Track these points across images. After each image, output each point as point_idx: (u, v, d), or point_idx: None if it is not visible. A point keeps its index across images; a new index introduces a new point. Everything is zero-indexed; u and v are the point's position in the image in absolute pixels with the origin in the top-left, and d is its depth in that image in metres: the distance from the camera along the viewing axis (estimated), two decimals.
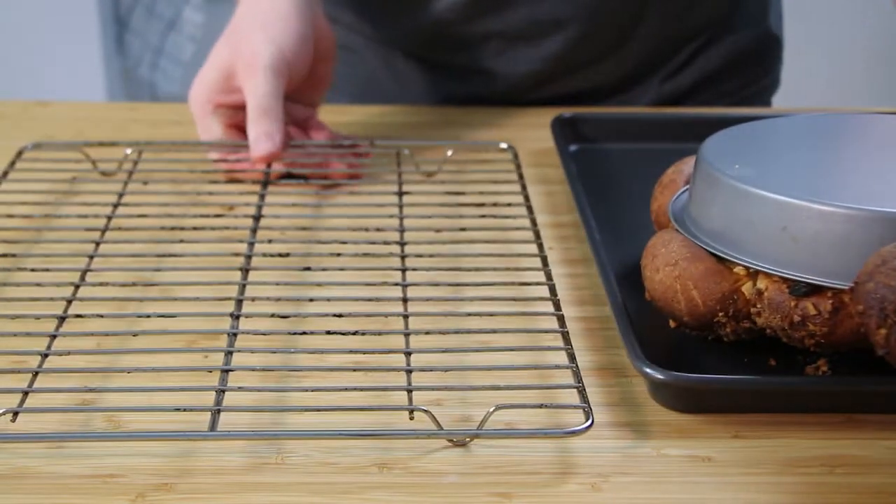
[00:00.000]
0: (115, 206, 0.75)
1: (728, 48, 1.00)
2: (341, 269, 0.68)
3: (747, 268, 0.60)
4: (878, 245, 0.55)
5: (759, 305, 0.59)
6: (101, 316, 0.64)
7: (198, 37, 2.30)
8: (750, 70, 1.02)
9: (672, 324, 0.63)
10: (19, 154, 0.80)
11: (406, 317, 0.63)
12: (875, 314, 0.52)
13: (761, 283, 0.59)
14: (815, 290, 0.57)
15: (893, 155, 0.65)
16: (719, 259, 0.61)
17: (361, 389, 0.58)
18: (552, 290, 0.65)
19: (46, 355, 0.59)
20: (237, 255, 0.69)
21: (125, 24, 2.28)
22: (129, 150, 0.81)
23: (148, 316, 0.64)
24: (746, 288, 0.59)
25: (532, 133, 0.91)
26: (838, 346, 0.58)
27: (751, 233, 0.59)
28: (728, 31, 0.99)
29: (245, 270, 0.67)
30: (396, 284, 0.66)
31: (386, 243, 0.71)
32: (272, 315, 0.64)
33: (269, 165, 0.78)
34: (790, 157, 0.65)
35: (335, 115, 0.96)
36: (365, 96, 1.02)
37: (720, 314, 0.60)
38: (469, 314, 0.64)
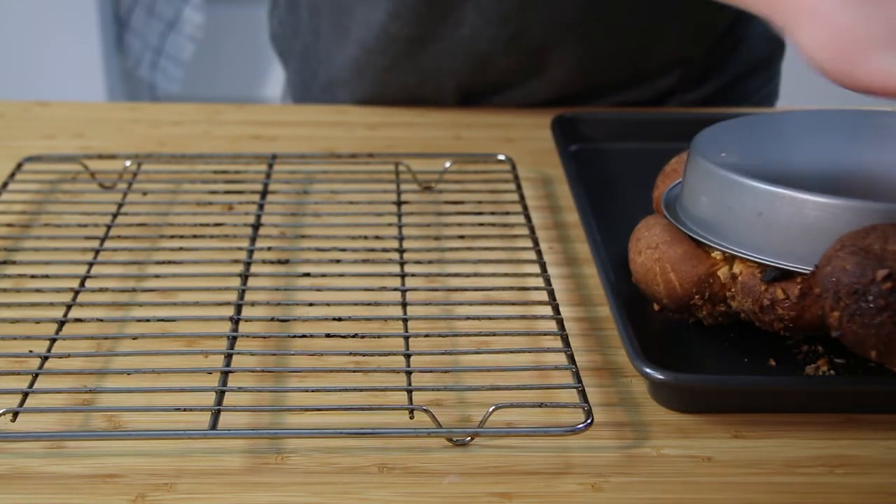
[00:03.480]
0: (115, 215, 0.75)
1: (743, 56, 1.00)
2: (340, 276, 0.68)
3: (724, 252, 0.60)
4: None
5: (732, 289, 0.60)
6: (101, 320, 0.64)
7: (198, 37, 2.30)
8: (761, 75, 1.03)
9: (656, 307, 0.64)
10: (19, 166, 0.80)
11: (405, 320, 0.63)
12: (830, 297, 0.53)
13: (736, 268, 0.60)
14: (785, 276, 0.58)
15: (878, 149, 0.66)
16: (699, 244, 0.61)
17: (361, 390, 0.58)
18: (551, 294, 0.65)
19: (46, 357, 0.59)
20: (237, 261, 0.69)
21: (125, 24, 2.28)
22: (128, 163, 0.81)
23: (147, 320, 0.64)
24: (722, 272, 0.60)
25: (532, 133, 0.91)
26: (806, 331, 0.58)
27: (730, 218, 0.60)
28: (742, 39, 1.00)
29: (244, 276, 0.67)
30: (396, 289, 0.66)
31: (385, 250, 0.71)
32: (272, 319, 0.64)
33: None
34: (775, 148, 0.66)
35: (335, 115, 0.96)
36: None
37: (696, 297, 0.60)
38: (468, 317, 0.64)
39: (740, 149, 0.64)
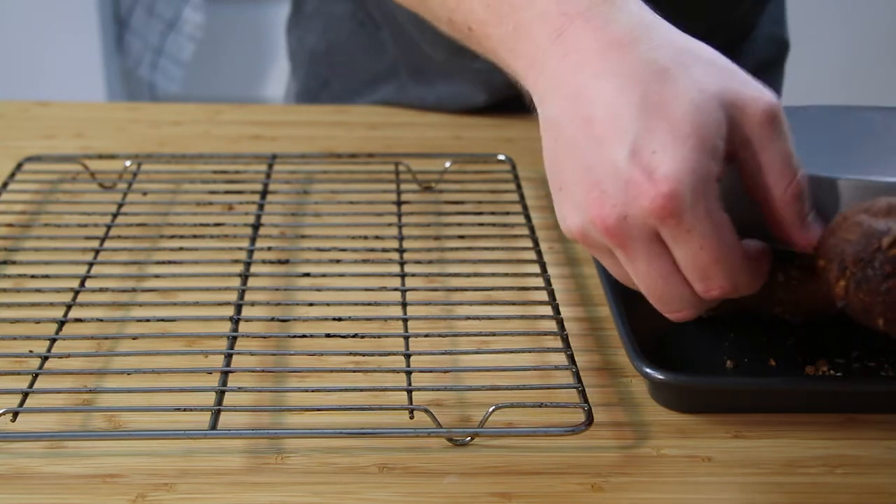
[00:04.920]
0: (115, 214, 0.75)
1: (750, 57, 1.00)
2: (341, 276, 0.68)
3: None
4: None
5: None
6: (101, 320, 0.64)
7: (198, 37, 2.30)
8: (766, 77, 1.03)
9: None
10: (19, 166, 0.80)
11: (405, 320, 0.63)
12: (835, 267, 0.53)
13: None
14: (783, 258, 0.57)
15: (876, 140, 0.66)
16: None
17: (361, 390, 0.58)
18: (551, 294, 0.65)
19: (46, 357, 0.59)
20: (237, 261, 0.69)
21: (125, 24, 2.28)
22: (128, 163, 0.81)
23: (147, 320, 0.64)
24: None
25: (532, 133, 0.91)
26: (807, 314, 0.58)
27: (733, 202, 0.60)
28: (748, 40, 1.00)
29: (244, 276, 0.67)
30: (396, 289, 0.66)
31: (385, 250, 0.71)
32: (272, 319, 0.64)
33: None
34: None
35: (335, 115, 0.96)
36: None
37: None
38: (468, 317, 0.64)
39: None
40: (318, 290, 0.67)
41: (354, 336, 0.61)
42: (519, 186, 0.79)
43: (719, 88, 0.51)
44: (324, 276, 0.69)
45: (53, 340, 0.60)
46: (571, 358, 0.59)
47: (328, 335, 0.61)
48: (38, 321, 0.63)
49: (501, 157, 0.84)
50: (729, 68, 0.53)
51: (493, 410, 0.55)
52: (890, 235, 0.51)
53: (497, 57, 0.59)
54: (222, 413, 0.55)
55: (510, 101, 0.96)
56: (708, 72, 0.52)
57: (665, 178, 0.49)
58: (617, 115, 0.50)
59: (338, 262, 0.70)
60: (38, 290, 0.66)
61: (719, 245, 0.51)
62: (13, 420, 0.55)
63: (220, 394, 0.56)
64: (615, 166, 0.50)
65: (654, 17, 0.54)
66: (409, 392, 0.57)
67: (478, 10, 0.58)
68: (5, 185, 0.78)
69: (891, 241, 0.51)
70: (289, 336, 0.63)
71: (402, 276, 0.68)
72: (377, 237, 0.73)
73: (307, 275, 0.69)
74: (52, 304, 0.64)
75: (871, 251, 0.52)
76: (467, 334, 0.63)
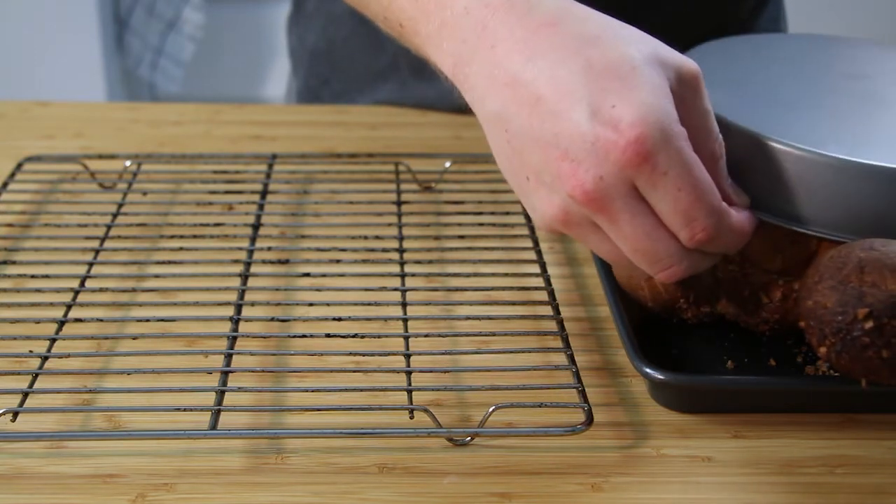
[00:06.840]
0: (115, 215, 0.75)
1: None
2: (341, 276, 0.68)
3: None
4: (821, 188, 0.56)
5: (716, 293, 0.60)
6: (101, 320, 0.64)
7: (198, 37, 2.30)
8: None
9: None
10: (19, 166, 0.80)
11: (405, 320, 0.63)
12: (815, 333, 0.55)
13: (719, 272, 0.60)
14: (766, 281, 0.59)
15: (866, 90, 0.65)
16: None
17: (361, 390, 0.58)
18: (551, 294, 0.65)
19: (46, 357, 0.59)
20: (237, 261, 0.69)
21: (125, 24, 2.28)
22: (128, 163, 0.81)
23: (147, 320, 0.64)
24: (706, 276, 0.61)
25: None
26: (791, 330, 0.60)
27: None
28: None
29: (244, 276, 0.67)
30: (396, 289, 0.66)
31: (385, 250, 0.71)
32: (272, 319, 0.64)
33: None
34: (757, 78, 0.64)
35: (335, 115, 0.96)
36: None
37: (681, 300, 0.61)
38: (468, 317, 0.64)
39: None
40: (318, 290, 0.67)
41: (354, 336, 0.61)
42: None
43: (652, 49, 0.52)
44: (324, 276, 0.69)
45: (53, 340, 0.61)
46: (571, 358, 0.59)
47: (328, 335, 0.61)
48: (38, 321, 0.63)
49: None
50: (652, 38, 0.54)
51: (493, 410, 0.55)
52: (864, 307, 0.53)
53: (427, 54, 0.59)
54: (222, 413, 0.55)
55: None
56: (637, 37, 0.53)
57: (631, 125, 0.49)
58: (564, 85, 0.51)
59: (338, 262, 0.70)
60: (38, 290, 0.66)
61: (696, 183, 0.51)
62: (13, 420, 0.55)
63: (220, 394, 0.56)
64: (578, 131, 0.50)
65: (573, 1, 0.55)
66: (409, 392, 0.57)
67: (407, 8, 0.59)
68: (5, 185, 0.78)
69: (866, 313, 0.53)
70: (289, 336, 0.63)
71: (402, 276, 0.68)
72: (377, 237, 0.73)
73: (307, 275, 0.69)
74: (52, 304, 0.64)
75: (848, 322, 0.53)
76: (467, 334, 0.63)
